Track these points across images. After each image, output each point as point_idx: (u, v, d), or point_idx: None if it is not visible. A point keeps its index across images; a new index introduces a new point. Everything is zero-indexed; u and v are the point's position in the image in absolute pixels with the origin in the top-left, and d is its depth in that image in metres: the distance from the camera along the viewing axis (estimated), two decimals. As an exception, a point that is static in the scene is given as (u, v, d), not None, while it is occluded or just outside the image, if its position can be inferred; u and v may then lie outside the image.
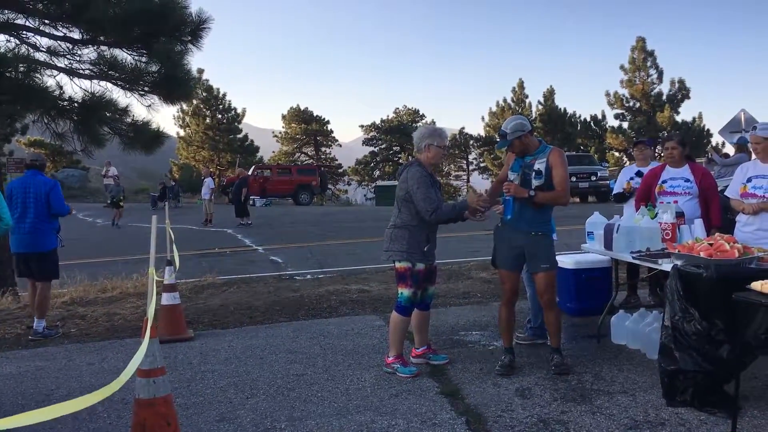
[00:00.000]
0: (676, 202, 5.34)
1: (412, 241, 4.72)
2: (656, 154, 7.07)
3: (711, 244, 4.01)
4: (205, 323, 6.80)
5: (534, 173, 4.61)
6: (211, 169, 38.51)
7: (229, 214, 20.01)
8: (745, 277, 3.65)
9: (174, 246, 6.46)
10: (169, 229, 6.52)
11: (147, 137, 8.93)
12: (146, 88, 8.48)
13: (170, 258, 6.29)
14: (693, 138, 34.53)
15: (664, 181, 5.63)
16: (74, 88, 8.31)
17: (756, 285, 3.45)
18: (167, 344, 5.74)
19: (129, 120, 8.71)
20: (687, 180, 5.51)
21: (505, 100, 44.91)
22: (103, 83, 8.40)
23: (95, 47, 8.30)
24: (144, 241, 3.51)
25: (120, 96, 8.42)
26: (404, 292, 4.75)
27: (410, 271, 4.71)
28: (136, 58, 8.39)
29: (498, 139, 4.77)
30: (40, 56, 8.05)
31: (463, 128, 51.68)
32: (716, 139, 33.52)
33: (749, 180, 4.81)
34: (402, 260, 4.72)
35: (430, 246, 4.82)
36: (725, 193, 5.19)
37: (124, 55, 8.33)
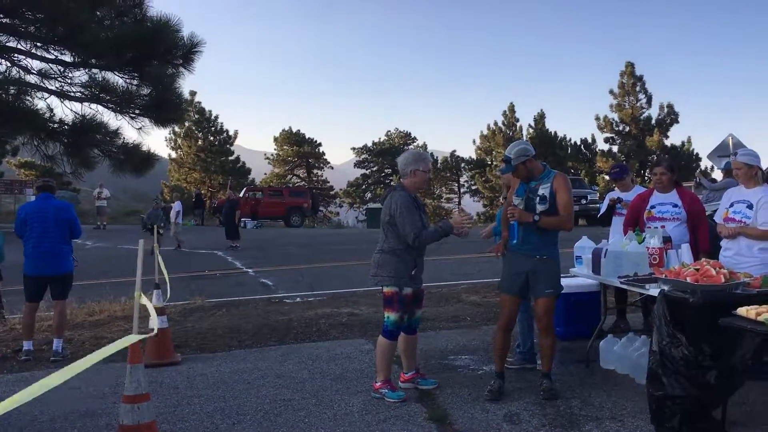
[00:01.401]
0: (663, 227, 5.36)
1: (400, 265, 4.73)
2: (632, 179, 7.13)
3: (697, 270, 4.03)
4: (193, 347, 6.75)
5: (538, 198, 4.63)
6: (203, 191, 38.47)
7: (220, 237, 19.92)
8: (732, 302, 3.67)
9: (164, 269, 6.43)
10: (158, 252, 6.50)
11: (137, 160, 8.95)
12: (137, 111, 8.52)
13: (158, 281, 6.26)
14: (682, 162, 34.80)
15: (652, 206, 5.65)
16: (65, 111, 8.34)
17: (742, 310, 3.47)
18: (154, 368, 5.69)
19: (119, 142, 8.73)
20: (675, 205, 5.53)
21: (496, 124, 45.17)
22: (93, 106, 8.44)
23: (87, 70, 8.35)
24: (134, 263, 3.50)
25: (111, 118, 8.47)
26: (390, 316, 4.74)
27: (398, 296, 4.71)
28: (128, 81, 8.44)
29: (503, 164, 4.76)
30: (32, 79, 8.08)
31: (454, 151, 51.87)
32: (705, 163, 33.79)
33: (731, 205, 4.88)
34: (390, 285, 4.72)
35: (418, 270, 4.83)
36: (713, 218, 5.23)
37: (115, 78, 8.39)
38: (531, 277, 4.67)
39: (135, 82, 8.48)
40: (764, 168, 5.04)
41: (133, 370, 3.19)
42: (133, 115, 8.55)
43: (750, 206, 4.72)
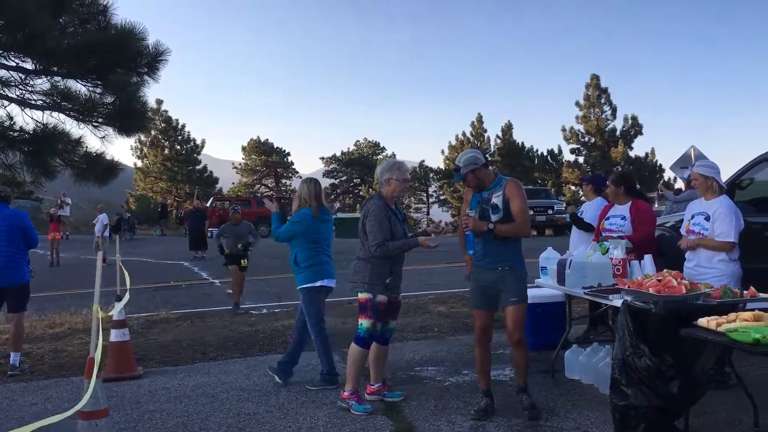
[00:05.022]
0: (608, 239, 5.39)
1: (374, 272, 4.76)
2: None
3: (660, 281, 4.07)
4: (156, 360, 6.63)
5: (491, 208, 4.53)
6: (169, 201, 37.97)
7: (186, 247, 19.65)
8: (693, 313, 3.71)
9: (127, 280, 6.30)
10: (120, 263, 6.38)
11: (100, 169, 8.79)
12: (100, 120, 8.37)
13: (120, 293, 6.14)
14: (646, 173, 35.47)
15: (607, 218, 5.77)
16: (26, 119, 8.14)
17: (702, 321, 3.50)
18: (114, 382, 5.58)
19: (82, 151, 8.57)
20: (623, 218, 5.62)
21: (464, 134, 45.52)
22: (56, 114, 8.26)
23: (48, 78, 8.17)
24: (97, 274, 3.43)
25: (73, 127, 8.29)
26: (363, 322, 4.76)
27: (371, 302, 4.73)
28: (91, 89, 8.28)
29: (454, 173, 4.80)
30: (-9, 87, 7.89)
31: (423, 161, 52.12)
32: (669, 174, 34.43)
33: (693, 217, 4.98)
34: (364, 291, 4.76)
35: (393, 278, 4.83)
36: (678, 230, 5.31)
37: (78, 86, 8.22)
38: (497, 289, 4.59)
39: (98, 90, 8.32)
40: (723, 180, 5.14)
41: (89, 385, 3.10)
42: (96, 124, 8.39)
43: (708, 218, 4.82)
